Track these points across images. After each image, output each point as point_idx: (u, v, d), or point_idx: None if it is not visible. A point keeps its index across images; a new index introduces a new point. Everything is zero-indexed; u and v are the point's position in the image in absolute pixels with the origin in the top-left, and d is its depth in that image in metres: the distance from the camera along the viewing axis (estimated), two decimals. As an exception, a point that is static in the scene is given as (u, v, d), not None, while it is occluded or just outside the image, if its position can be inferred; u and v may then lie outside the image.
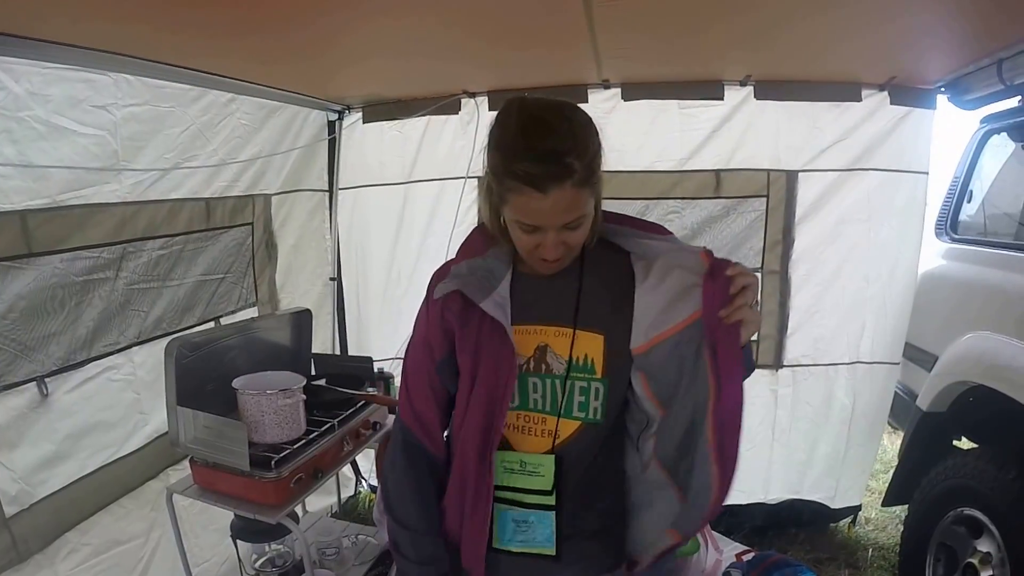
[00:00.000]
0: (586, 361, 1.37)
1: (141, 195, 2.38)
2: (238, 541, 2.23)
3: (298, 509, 2.93)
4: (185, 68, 2.41)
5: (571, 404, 1.38)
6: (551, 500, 1.41)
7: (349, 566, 2.67)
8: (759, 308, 1.47)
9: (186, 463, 2.24)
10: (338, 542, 2.72)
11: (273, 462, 2.01)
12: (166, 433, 2.30)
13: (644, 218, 2.91)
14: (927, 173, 3.19)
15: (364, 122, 3.45)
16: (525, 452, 1.41)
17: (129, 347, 2.39)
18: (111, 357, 2.31)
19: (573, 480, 1.41)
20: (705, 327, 1.28)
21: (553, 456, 1.40)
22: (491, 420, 1.36)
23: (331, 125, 3.46)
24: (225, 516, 2.24)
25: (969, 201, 3.50)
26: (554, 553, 1.43)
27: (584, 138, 1.21)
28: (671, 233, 1.42)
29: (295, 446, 2.13)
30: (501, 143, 1.23)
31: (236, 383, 2.15)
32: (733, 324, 1.24)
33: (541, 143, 1.17)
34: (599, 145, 1.25)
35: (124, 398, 2.37)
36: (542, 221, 1.21)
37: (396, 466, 1.50)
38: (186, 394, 2.10)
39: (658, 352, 1.34)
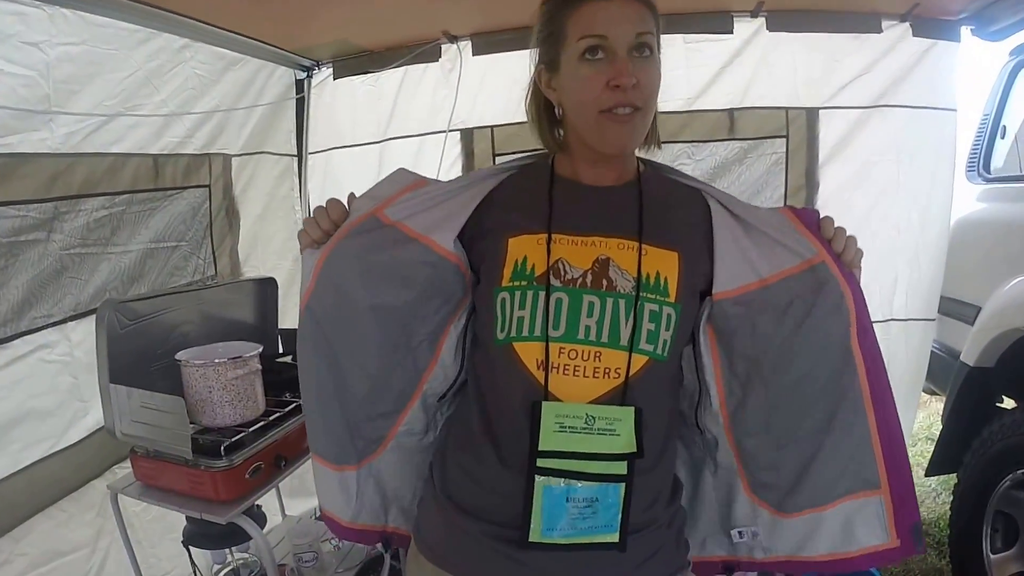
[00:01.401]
0: (659, 280, 1.07)
1: (77, 147, 1.98)
2: (192, 548, 1.78)
3: (275, 510, 2.49)
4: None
5: (639, 333, 1.05)
6: (622, 468, 1.04)
7: (330, 573, 2.19)
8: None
9: (138, 457, 1.82)
10: (317, 546, 2.19)
11: (223, 448, 1.58)
12: None
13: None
14: (955, 110, 2.84)
15: (335, 78, 3.04)
16: (590, 403, 1.04)
17: (64, 321, 1.97)
18: (44, 332, 1.91)
19: (649, 440, 1.07)
20: (831, 278, 1.11)
21: (632, 408, 1.04)
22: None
23: (299, 85, 3.04)
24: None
25: (1002, 137, 3.18)
26: (616, 540, 1.05)
27: None
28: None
29: (251, 428, 1.69)
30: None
31: (180, 355, 1.71)
32: (851, 272, 1.14)
33: None
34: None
35: (61, 382, 1.96)
36: (609, 29, 1.01)
37: None
38: (124, 372, 1.69)
39: (744, 306, 1.11)
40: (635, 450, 1.03)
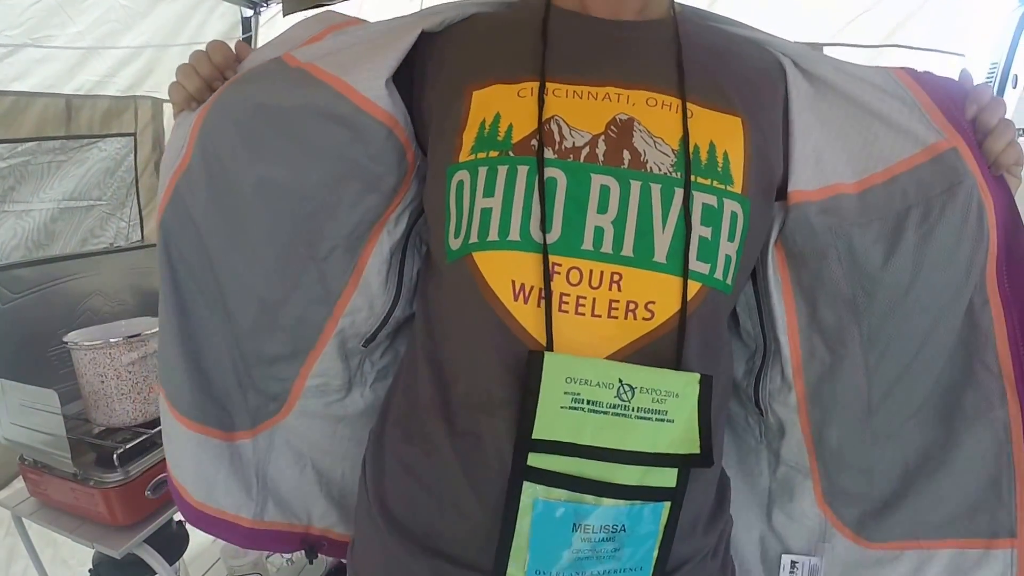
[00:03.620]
0: (714, 156, 0.60)
1: (-34, 82, 1.53)
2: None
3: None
4: None
5: (684, 243, 0.59)
6: (671, 478, 0.58)
7: None
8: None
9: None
10: (262, 565, 1.63)
11: (116, 456, 1.10)
12: None
13: None
14: (963, 55, 2.42)
15: (285, 15, 2.46)
16: (625, 361, 0.57)
17: (-50, 293, 1.49)
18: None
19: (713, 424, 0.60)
20: (967, 176, 0.64)
21: (698, 377, 0.58)
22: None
23: (245, 23, 2.51)
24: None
25: (1015, 87, 2.70)
26: None
27: None
28: None
29: (156, 429, 1.19)
30: None
31: (70, 335, 1.22)
32: (1001, 178, 0.66)
33: None
34: None
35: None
36: None
37: None
38: (10, 358, 1.23)
39: (835, 215, 0.66)
40: (698, 450, 0.58)
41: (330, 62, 0.66)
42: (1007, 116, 0.66)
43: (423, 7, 1.83)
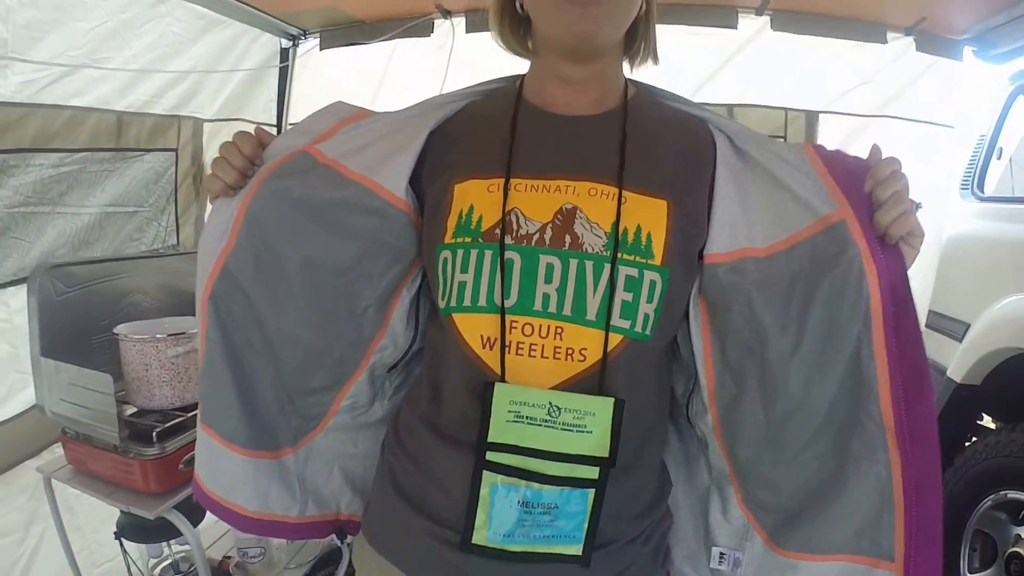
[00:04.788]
0: (639, 236, 0.78)
1: (32, 96, 1.73)
2: (125, 541, 1.51)
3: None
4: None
5: (608, 305, 0.78)
6: (592, 472, 0.78)
7: (279, 570, 1.90)
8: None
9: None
10: (264, 541, 1.88)
11: (155, 433, 1.30)
12: None
13: None
14: (953, 127, 2.69)
15: (321, 49, 2.77)
16: (553, 390, 0.78)
17: (5, 286, 1.70)
18: (-19, 297, 1.63)
19: (627, 440, 0.79)
20: (850, 246, 0.79)
21: (612, 401, 0.77)
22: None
23: (284, 53, 2.77)
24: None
25: (998, 158, 3.00)
26: (580, 553, 0.80)
27: None
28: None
29: (191, 412, 1.41)
30: None
31: (119, 328, 1.44)
32: (895, 247, 0.79)
33: None
34: None
35: (-4, 352, 1.69)
36: None
37: None
38: (60, 345, 1.44)
39: (740, 275, 0.82)
40: (607, 454, 0.78)
41: (356, 162, 0.87)
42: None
43: (450, 58, 2.09)
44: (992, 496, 2.13)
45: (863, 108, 2.61)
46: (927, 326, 2.78)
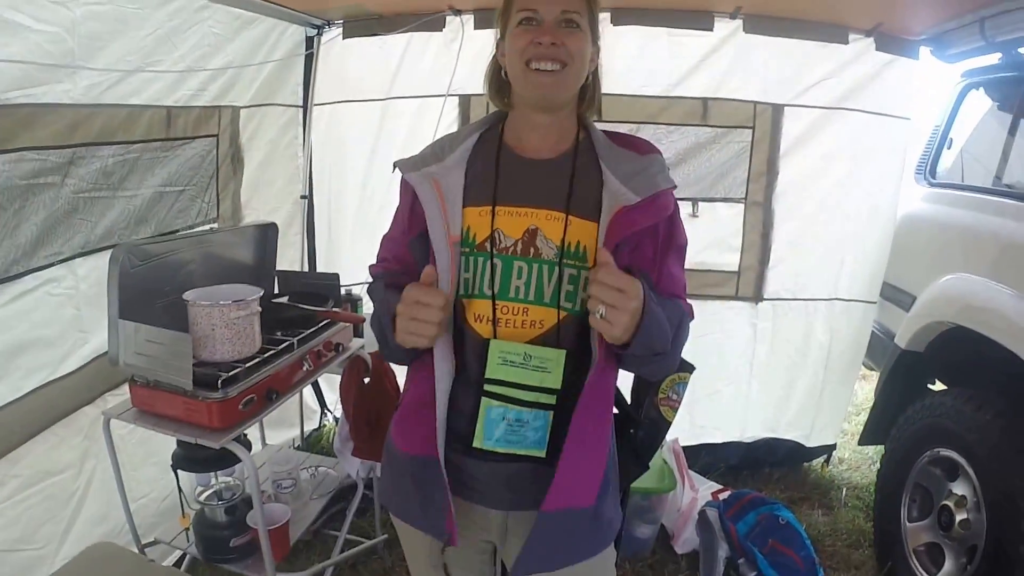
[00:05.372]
0: (578, 248, 1.16)
1: (97, 98, 1.97)
2: (180, 472, 1.82)
3: (256, 440, 2.53)
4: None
5: (560, 293, 1.16)
6: (552, 399, 1.16)
7: (306, 499, 2.26)
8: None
9: (125, 388, 1.83)
10: (295, 473, 2.26)
11: (220, 381, 1.61)
12: (105, 353, 1.88)
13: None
14: (909, 119, 2.97)
15: (344, 38, 3.02)
16: (528, 344, 1.15)
17: (72, 258, 1.96)
18: (53, 268, 1.90)
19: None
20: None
21: (564, 352, 1.15)
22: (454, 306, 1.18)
23: (309, 41, 3.02)
24: (168, 447, 1.87)
25: (949, 148, 3.26)
26: (543, 456, 1.17)
27: None
28: (655, 152, 1.24)
29: (247, 364, 1.72)
30: None
31: (188, 295, 1.73)
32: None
33: None
34: (597, 4, 1.21)
35: (64, 314, 1.95)
36: (539, 5, 1.14)
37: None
38: (131, 308, 1.71)
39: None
40: (559, 386, 1.14)
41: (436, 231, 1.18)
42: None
43: (460, 50, 2.36)
44: (928, 453, 2.37)
45: (825, 101, 2.87)
46: (881, 295, 3.11)
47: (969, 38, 2.60)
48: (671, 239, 1.21)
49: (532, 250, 1.15)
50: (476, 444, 1.15)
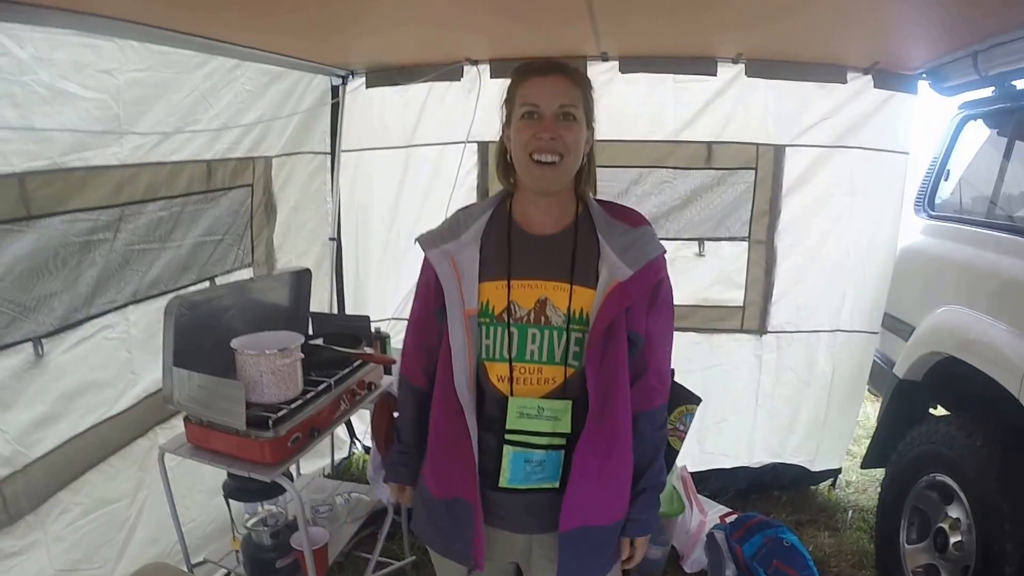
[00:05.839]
0: (582, 314, 1.36)
1: (142, 158, 2.20)
2: (230, 501, 2.05)
3: (292, 469, 2.79)
4: (192, 35, 2.23)
5: (568, 353, 1.37)
6: (563, 441, 1.38)
7: (341, 523, 2.51)
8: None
9: (174, 421, 2.08)
10: (331, 500, 2.54)
11: (271, 422, 1.85)
12: (156, 392, 2.19)
13: (639, 185, 3.13)
14: (907, 153, 3.13)
15: (367, 87, 3.26)
16: (542, 399, 1.37)
17: (125, 306, 2.20)
18: (107, 316, 2.13)
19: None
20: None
21: (570, 402, 1.37)
22: (475, 371, 1.39)
23: (334, 90, 3.26)
24: (213, 477, 2.10)
25: (946, 180, 3.42)
26: (557, 486, 1.39)
27: (582, 72, 1.40)
28: (645, 223, 1.45)
29: (292, 406, 1.96)
30: (513, 73, 1.41)
31: (235, 343, 1.96)
32: None
33: (546, 59, 1.39)
34: (592, 91, 1.40)
35: (117, 357, 2.19)
36: (541, 99, 1.33)
37: (404, 408, 1.64)
38: (183, 352, 1.93)
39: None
40: (569, 431, 1.37)
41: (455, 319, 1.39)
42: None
43: (478, 99, 2.62)
44: (925, 478, 2.52)
45: (825, 140, 3.05)
46: (883, 326, 3.27)
47: (963, 71, 2.68)
48: (658, 298, 1.41)
49: (543, 318, 1.36)
50: (502, 484, 1.38)
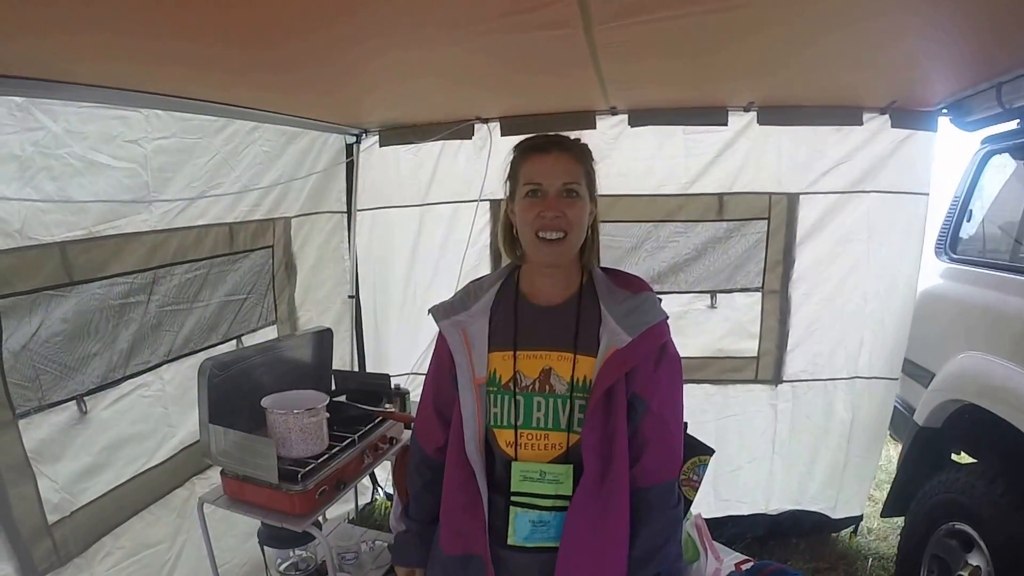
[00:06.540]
0: (584, 382, 1.51)
1: (170, 223, 2.52)
2: (265, 547, 2.37)
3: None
4: (212, 102, 2.52)
5: (573, 420, 1.51)
6: (566, 503, 1.52)
7: (367, 570, 2.86)
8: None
9: (210, 472, 2.42)
10: (357, 547, 2.92)
11: (300, 475, 2.19)
12: (192, 444, 2.55)
13: (649, 239, 3.23)
14: (927, 194, 3.24)
15: (381, 145, 3.56)
16: (545, 464, 1.53)
17: (160, 365, 2.54)
18: (144, 375, 2.46)
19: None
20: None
21: (571, 466, 1.52)
22: (484, 436, 1.56)
23: (349, 148, 3.57)
24: (245, 522, 2.41)
25: (969, 220, 3.52)
26: (558, 545, 1.53)
27: (583, 145, 1.56)
28: (647, 290, 1.58)
29: (319, 460, 2.29)
30: (515, 150, 1.56)
31: (265, 402, 2.32)
32: None
33: (547, 136, 1.54)
34: (594, 163, 1.56)
35: (154, 412, 2.53)
36: (544, 177, 1.47)
37: (414, 477, 1.76)
38: (217, 409, 2.27)
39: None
40: (570, 493, 1.51)
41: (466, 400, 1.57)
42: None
43: (489, 156, 2.92)
44: (945, 526, 2.68)
45: (840, 186, 3.20)
46: (904, 373, 3.44)
47: (986, 104, 2.69)
48: (663, 362, 1.52)
49: (548, 387, 1.52)
50: (510, 542, 1.55)
